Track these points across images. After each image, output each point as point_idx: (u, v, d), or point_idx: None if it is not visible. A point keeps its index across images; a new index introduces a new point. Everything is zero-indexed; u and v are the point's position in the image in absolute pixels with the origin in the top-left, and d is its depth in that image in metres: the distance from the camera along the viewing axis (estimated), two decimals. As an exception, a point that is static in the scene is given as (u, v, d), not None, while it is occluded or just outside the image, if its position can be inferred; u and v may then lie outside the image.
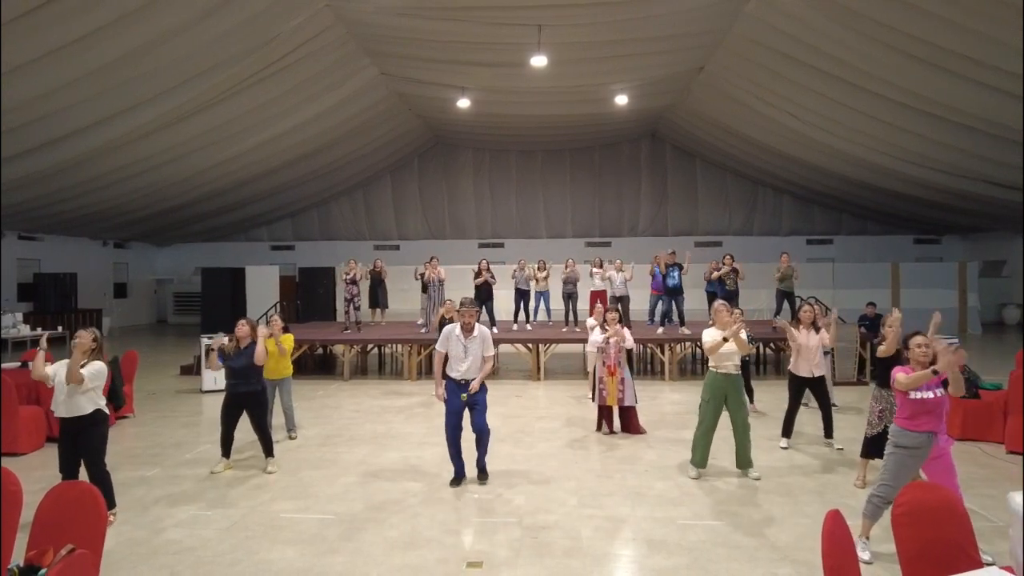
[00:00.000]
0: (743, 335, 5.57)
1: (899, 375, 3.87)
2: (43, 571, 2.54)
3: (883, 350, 5.16)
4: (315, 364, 12.47)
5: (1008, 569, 2.41)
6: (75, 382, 4.37)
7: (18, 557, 2.89)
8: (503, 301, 12.79)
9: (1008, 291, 19.22)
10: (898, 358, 5.08)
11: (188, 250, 22.53)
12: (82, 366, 4.48)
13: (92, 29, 8.26)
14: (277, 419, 7.10)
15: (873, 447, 5.23)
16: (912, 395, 3.88)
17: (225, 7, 8.92)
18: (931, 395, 3.85)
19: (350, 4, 10.06)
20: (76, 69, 8.98)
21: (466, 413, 5.41)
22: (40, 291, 17.29)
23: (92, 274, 19.29)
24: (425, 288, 12.14)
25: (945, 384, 3.90)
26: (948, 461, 3.96)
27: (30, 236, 17.28)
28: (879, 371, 5.40)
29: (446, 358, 5.41)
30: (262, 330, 5.97)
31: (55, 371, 4.56)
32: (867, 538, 4.01)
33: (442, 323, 9.47)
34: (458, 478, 5.45)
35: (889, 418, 5.12)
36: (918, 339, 3.95)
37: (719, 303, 5.80)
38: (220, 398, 9.08)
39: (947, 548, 2.61)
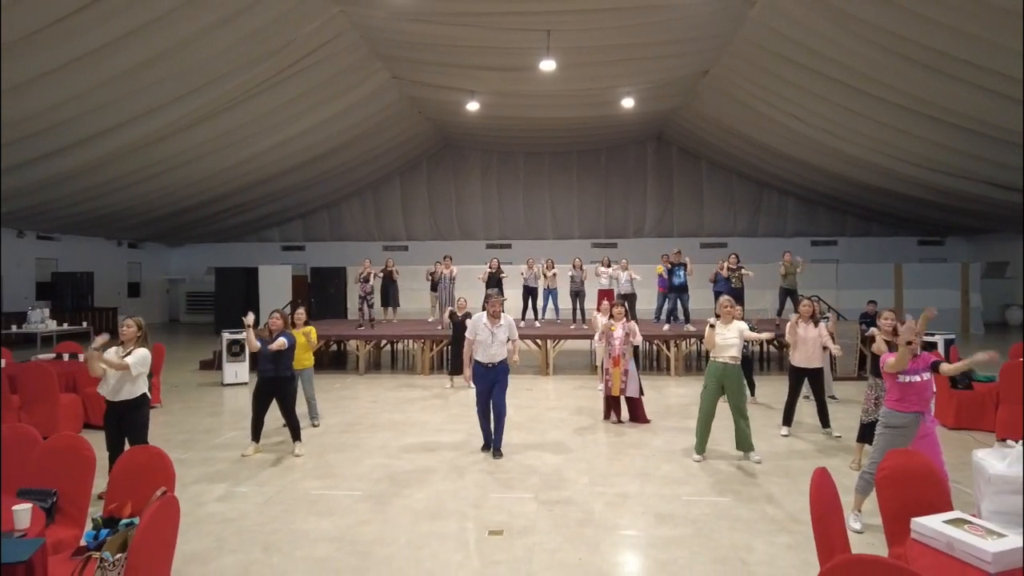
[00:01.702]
0: (751, 333, 5.97)
1: (888, 359, 4.17)
2: (123, 521, 2.88)
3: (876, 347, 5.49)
4: (330, 359, 12.82)
5: (973, 515, 2.72)
6: (122, 369, 4.68)
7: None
8: (512, 300, 13.11)
9: (1011, 292, 19.42)
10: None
11: (200, 250, 22.94)
12: (127, 354, 4.79)
13: (111, 39, 8.60)
14: (300, 408, 7.43)
15: (868, 432, 5.53)
16: (901, 379, 4.18)
17: (241, 14, 9.26)
18: (918, 379, 4.16)
19: (363, 10, 10.40)
20: (94, 77, 9.32)
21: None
22: (58, 290, 17.70)
23: (107, 273, 19.70)
24: (435, 286, 12.52)
25: (934, 367, 4.20)
26: (934, 439, 4.25)
27: (48, 236, 17.69)
28: (873, 363, 5.69)
29: (473, 344, 6.06)
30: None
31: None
32: (859, 511, 4.32)
33: (452, 317, 9.85)
34: (487, 445, 6.20)
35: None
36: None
37: (724, 298, 6.14)
38: (241, 391, 9.61)
39: (924, 506, 2.91)
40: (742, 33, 11.17)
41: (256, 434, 6.24)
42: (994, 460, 2.66)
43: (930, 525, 2.55)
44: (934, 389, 4.30)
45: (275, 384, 6.11)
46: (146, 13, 8.40)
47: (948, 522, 2.55)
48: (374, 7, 10.22)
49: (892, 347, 4.58)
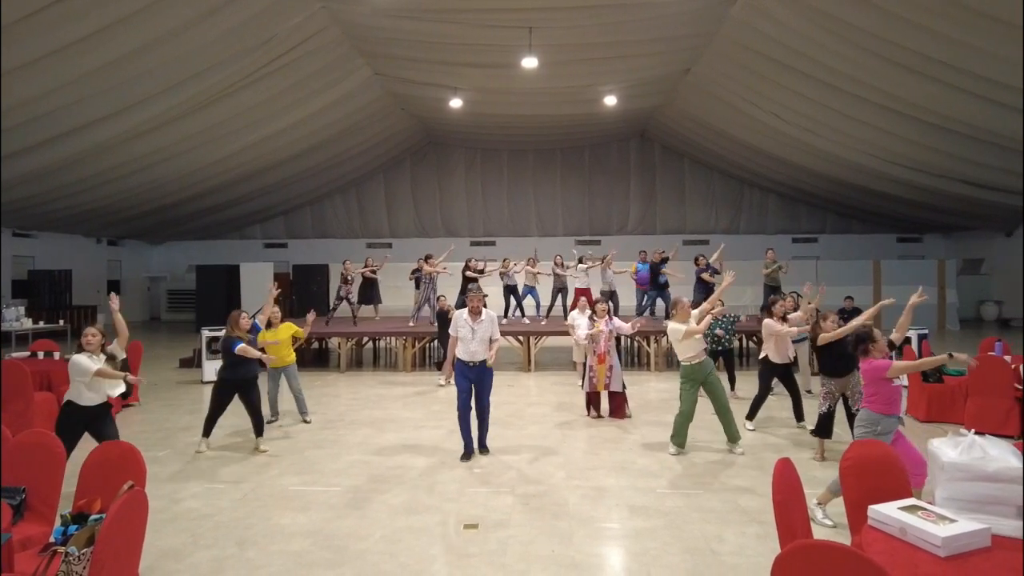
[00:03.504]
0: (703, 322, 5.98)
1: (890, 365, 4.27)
2: (93, 517, 2.88)
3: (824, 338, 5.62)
4: (312, 357, 12.78)
5: (930, 503, 2.80)
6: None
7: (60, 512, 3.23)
8: (495, 297, 13.12)
9: (986, 288, 19.79)
10: (840, 346, 5.49)
11: (181, 248, 22.71)
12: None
13: (90, 31, 8.47)
14: (288, 405, 7.47)
15: (824, 425, 5.72)
16: (896, 382, 4.25)
17: (223, 9, 9.18)
18: (904, 381, 4.28)
19: (345, 6, 10.35)
20: (74, 70, 9.19)
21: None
22: (35, 288, 17.45)
23: (86, 271, 19.43)
24: (418, 284, 12.50)
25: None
26: (900, 433, 4.36)
27: (25, 233, 17.42)
28: (822, 359, 5.84)
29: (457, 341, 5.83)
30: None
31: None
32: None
33: (439, 315, 9.85)
34: (468, 453, 5.88)
35: (833, 400, 5.60)
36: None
37: (681, 299, 6.24)
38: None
39: (885, 494, 2.98)
40: (723, 32, 11.26)
41: (208, 431, 6.23)
42: (947, 448, 2.74)
43: (885, 512, 2.62)
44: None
45: (241, 383, 6.09)
46: (125, 6, 8.29)
47: (902, 509, 2.63)
48: (356, 3, 10.19)
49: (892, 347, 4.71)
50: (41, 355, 7.99)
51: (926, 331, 9.45)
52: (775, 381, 7.14)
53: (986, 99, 9.87)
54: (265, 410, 6.69)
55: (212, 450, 6.24)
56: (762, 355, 6.99)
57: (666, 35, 11.47)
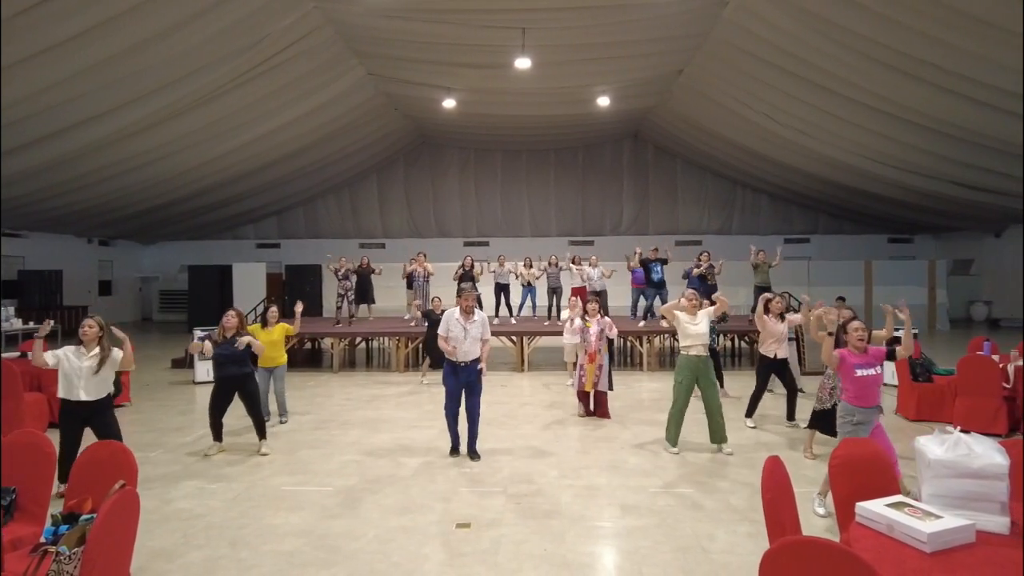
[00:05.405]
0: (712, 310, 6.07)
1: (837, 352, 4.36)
2: (84, 517, 2.87)
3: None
4: (304, 357, 12.74)
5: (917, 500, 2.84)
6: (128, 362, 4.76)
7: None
8: (486, 297, 13.14)
9: (976, 289, 19.97)
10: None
11: (173, 248, 22.61)
12: (92, 355, 4.71)
13: (83, 29, 8.43)
14: (270, 406, 7.43)
15: (819, 420, 5.76)
16: (857, 372, 4.33)
17: (216, 8, 9.16)
18: (872, 372, 4.32)
19: (339, 5, 10.35)
20: (65, 68, 9.13)
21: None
22: (25, 288, 17.32)
23: (77, 271, 19.30)
24: (410, 283, 12.48)
25: (890, 356, 4.36)
26: (881, 429, 4.43)
27: (15, 233, 17.28)
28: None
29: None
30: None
31: (60, 357, 4.80)
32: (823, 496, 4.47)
33: (426, 315, 9.84)
34: (455, 448, 5.94)
35: (839, 396, 5.64)
36: (855, 324, 4.43)
37: (687, 291, 6.28)
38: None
39: (874, 492, 3.01)
40: (716, 33, 11.32)
41: (217, 434, 6.15)
42: (934, 446, 2.77)
43: (872, 508, 2.66)
44: (882, 381, 4.48)
45: (237, 381, 6.03)
46: (117, 5, 8.26)
47: (889, 505, 2.66)
48: (349, 3, 10.18)
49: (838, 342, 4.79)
50: (31, 355, 7.94)
51: (916, 331, 9.49)
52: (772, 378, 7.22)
53: (976, 101, 9.96)
54: None
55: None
56: (760, 351, 7.08)
57: (659, 36, 11.52)
